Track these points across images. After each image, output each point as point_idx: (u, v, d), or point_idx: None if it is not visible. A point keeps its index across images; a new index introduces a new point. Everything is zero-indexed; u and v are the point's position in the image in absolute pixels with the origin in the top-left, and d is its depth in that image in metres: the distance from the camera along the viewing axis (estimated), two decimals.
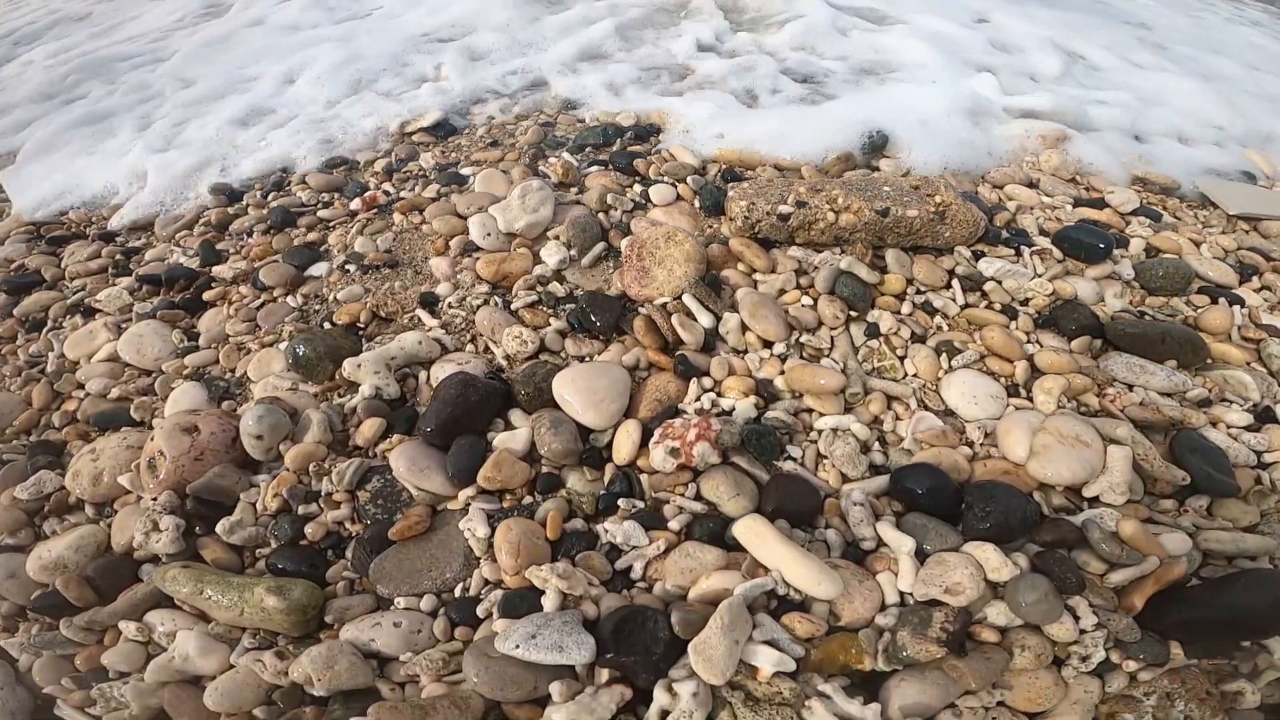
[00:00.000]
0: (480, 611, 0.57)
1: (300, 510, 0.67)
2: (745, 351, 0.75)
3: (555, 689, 0.51)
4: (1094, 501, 0.65)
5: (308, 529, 0.65)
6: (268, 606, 0.57)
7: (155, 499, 0.68)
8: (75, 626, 0.67)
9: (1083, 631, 0.55)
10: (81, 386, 0.92)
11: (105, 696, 0.63)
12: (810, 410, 0.71)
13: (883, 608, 0.55)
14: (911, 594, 0.55)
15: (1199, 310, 0.89)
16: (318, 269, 0.98)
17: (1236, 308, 0.89)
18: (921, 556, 0.57)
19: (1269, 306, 0.94)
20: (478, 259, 0.90)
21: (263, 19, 1.92)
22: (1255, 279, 0.98)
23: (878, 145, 1.08)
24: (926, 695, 0.52)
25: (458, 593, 0.59)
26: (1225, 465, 0.67)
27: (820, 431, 0.69)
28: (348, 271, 0.95)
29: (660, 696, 0.49)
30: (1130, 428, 0.67)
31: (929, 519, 0.60)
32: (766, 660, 0.50)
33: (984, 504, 0.60)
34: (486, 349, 0.80)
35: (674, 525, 0.61)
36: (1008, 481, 0.63)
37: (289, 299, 0.94)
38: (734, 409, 0.69)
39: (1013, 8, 1.79)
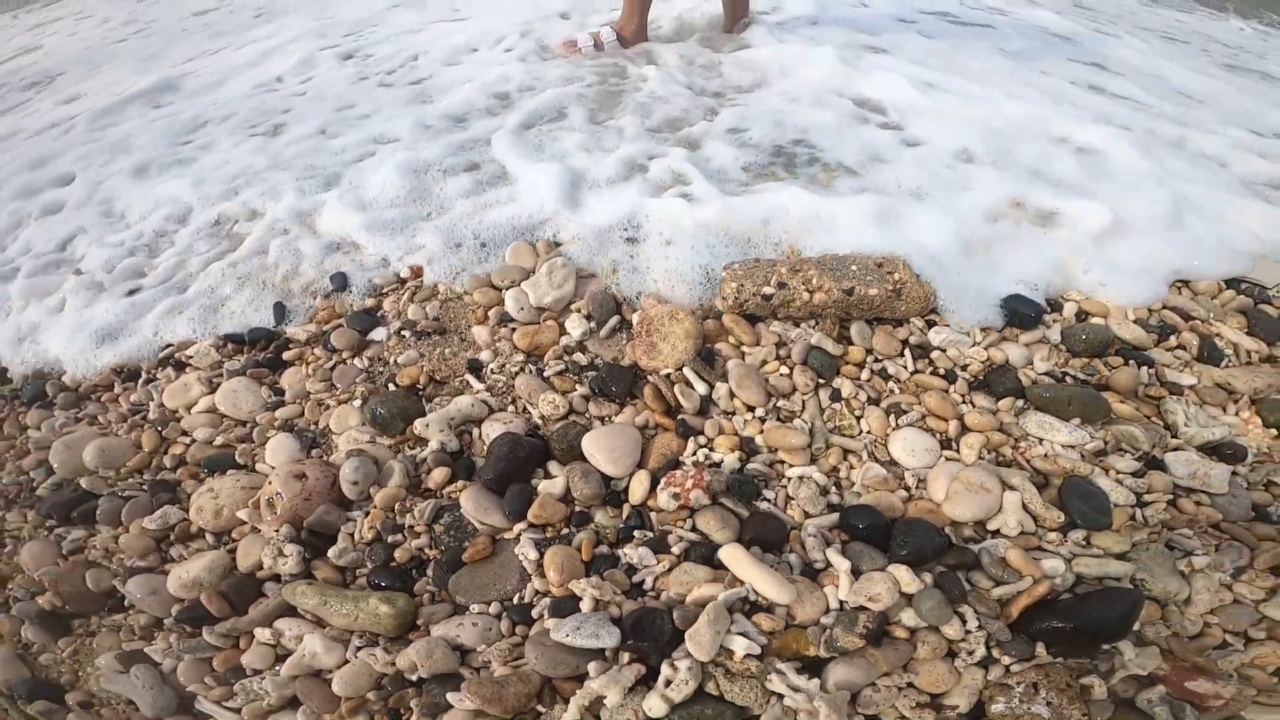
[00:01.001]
0: (534, 614, 0.86)
1: (389, 539, 0.97)
2: (733, 414, 1.05)
3: (592, 667, 0.80)
4: (995, 534, 0.94)
5: (396, 554, 0.95)
6: (380, 613, 0.87)
7: (277, 530, 0.98)
8: (216, 634, 0.96)
9: (968, 632, 0.84)
10: (185, 434, 1.22)
11: (246, 690, 0.92)
12: (782, 461, 1.01)
13: (826, 611, 0.85)
14: (846, 601, 0.85)
15: (1112, 370, 1.18)
16: (378, 334, 1.28)
17: (1145, 368, 1.18)
18: (856, 574, 0.87)
19: (1181, 364, 1.24)
20: (514, 329, 1.20)
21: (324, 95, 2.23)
22: (1173, 338, 1.27)
23: None
24: (853, 675, 0.81)
25: (516, 600, 0.89)
26: (1104, 505, 0.97)
27: (789, 479, 0.99)
28: (404, 337, 1.25)
29: (665, 670, 0.79)
30: (1024, 477, 0.96)
31: (865, 546, 0.90)
32: (740, 646, 0.80)
33: (905, 536, 0.89)
34: (525, 410, 1.10)
35: (675, 550, 0.90)
36: (927, 519, 0.92)
37: (356, 361, 1.24)
38: (722, 461, 0.98)
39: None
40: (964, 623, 0.84)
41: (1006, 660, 0.84)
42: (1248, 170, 1.71)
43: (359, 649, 0.87)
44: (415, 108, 2.01)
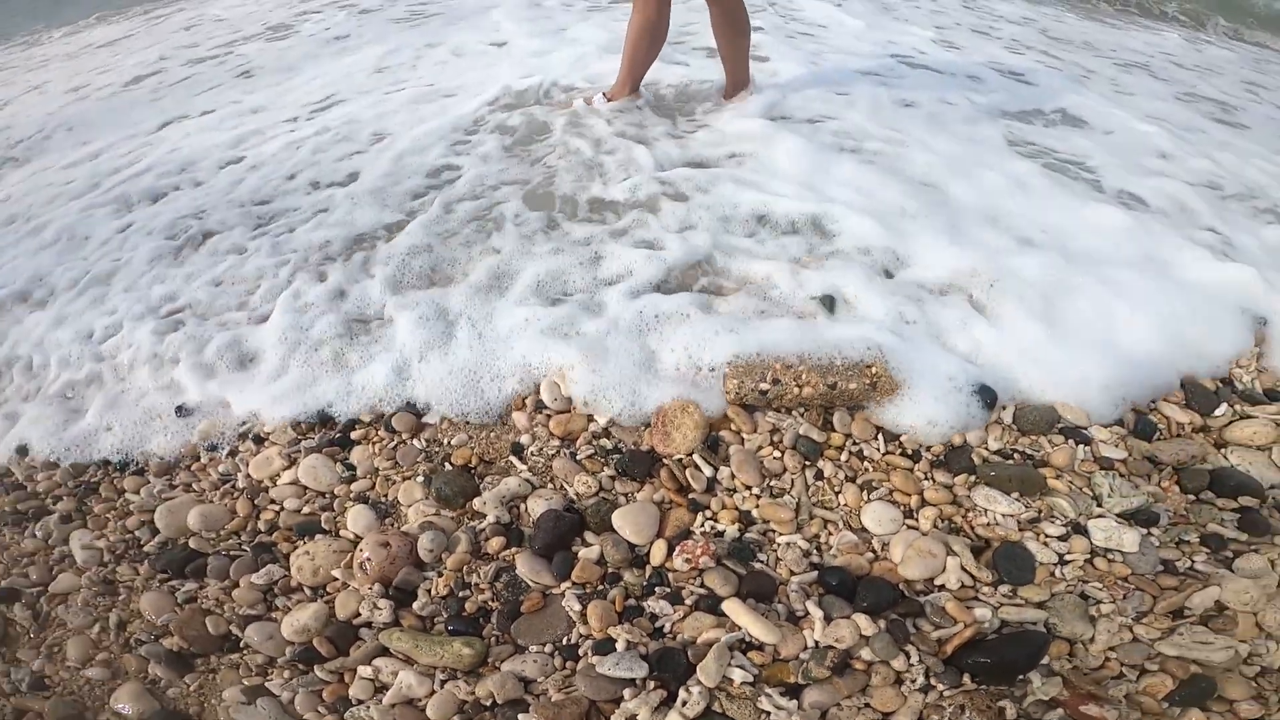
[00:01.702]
0: (580, 652, 1.23)
1: (460, 594, 1.34)
2: (734, 491, 1.42)
3: (627, 692, 1.16)
4: (941, 588, 1.31)
5: (466, 605, 1.32)
6: (462, 654, 1.23)
7: (370, 588, 1.35)
8: (325, 670, 1.33)
9: (911, 664, 1.20)
10: (275, 502, 1.59)
11: (354, 716, 1.29)
12: (774, 530, 1.38)
13: (804, 649, 1.21)
14: (819, 641, 1.21)
15: (1054, 448, 1.55)
16: (431, 417, 1.65)
17: (1082, 445, 1.55)
18: (828, 620, 1.23)
19: (1116, 439, 1.60)
20: (549, 417, 1.58)
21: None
22: None
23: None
24: (823, 698, 1.17)
25: (565, 642, 1.25)
26: (1029, 565, 1.33)
27: (779, 544, 1.36)
28: (454, 421, 1.62)
29: (682, 694, 1.15)
30: (965, 544, 1.33)
31: (836, 599, 1.26)
32: (738, 675, 1.16)
33: (868, 591, 1.26)
34: (562, 488, 1.47)
35: (688, 602, 1.26)
36: (886, 577, 1.29)
37: (414, 441, 1.61)
38: (725, 531, 1.35)
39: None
40: (908, 658, 1.20)
41: (941, 687, 1.20)
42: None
43: (444, 681, 1.24)
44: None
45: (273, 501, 1.56)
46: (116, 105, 4.15)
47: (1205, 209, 2.31)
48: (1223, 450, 1.59)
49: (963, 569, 1.29)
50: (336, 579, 1.38)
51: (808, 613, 1.23)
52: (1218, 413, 1.68)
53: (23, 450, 1.80)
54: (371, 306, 1.94)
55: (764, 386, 1.50)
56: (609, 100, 2.80)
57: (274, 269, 2.12)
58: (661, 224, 2.11)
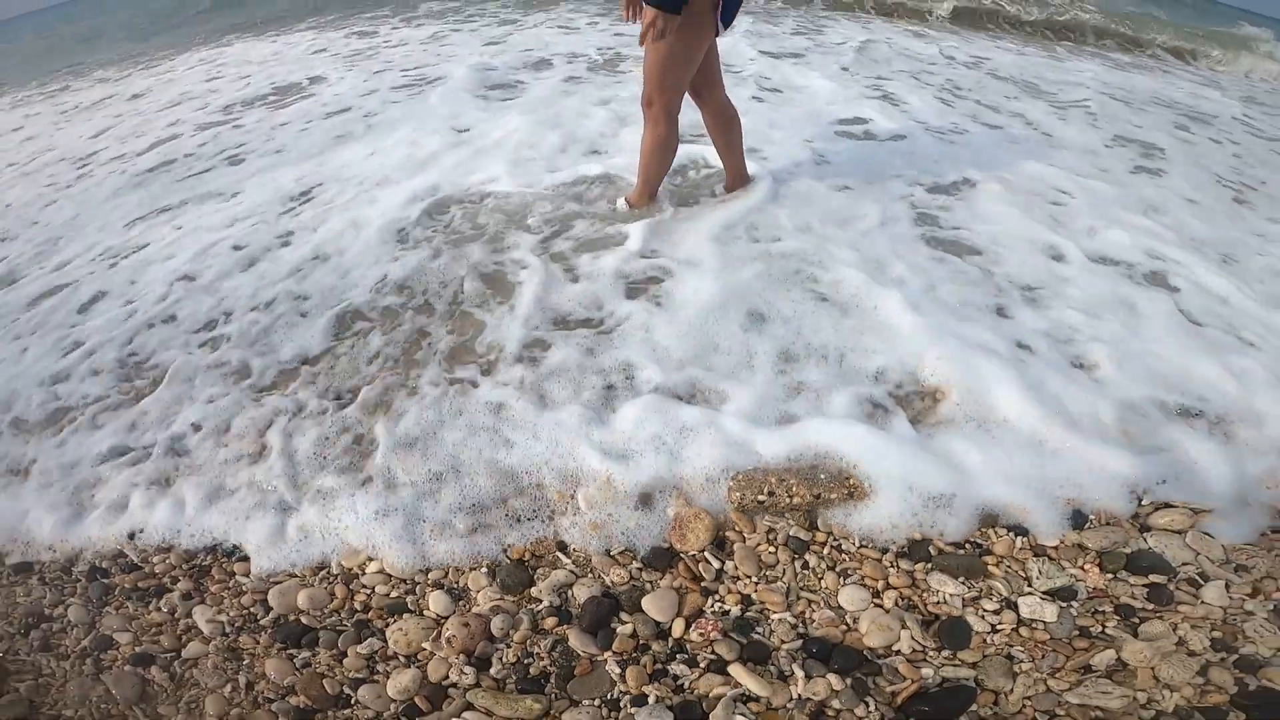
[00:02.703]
0: (621, 705, 1.86)
1: (525, 661, 1.97)
2: (737, 579, 2.05)
3: None
4: (896, 653, 1.93)
5: (531, 670, 1.95)
6: (532, 708, 1.85)
7: (456, 657, 1.98)
8: None
9: (869, 712, 1.82)
10: (366, 587, 2.22)
11: None
12: (768, 609, 2.01)
13: (789, 700, 1.83)
14: (801, 694, 1.84)
15: (998, 539, 2.17)
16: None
17: (1020, 537, 2.18)
18: (808, 678, 1.86)
19: (1050, 530, 2.23)
20: (588, 519, 2.22)
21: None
22: None
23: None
24: None
25: (609, 698, 1.88)
26: (966, 633, 1.95)
27: (773, 619, 1.99)
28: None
29: None
30: (916, 619, 1.96)
31: (815, 662, 1.88)
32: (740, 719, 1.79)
33: (840, 656, 1.88)
34: (600, 577, 2.11)
35: (701, 665, 1.89)
36: (855, 645, 1.92)
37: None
38: (730, 611, 1.99)
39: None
40: (868, 706, 1.82)
41: None
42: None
43: None
44: None
45: (364, 586, 2.19)
46: None
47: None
48: (1145, 534, 2.20)
49: (913, 638, 1.91)
50: (426, 649, 2.01)
51: (794, 672, 1.85)
52: (1145, 502, 2.30)
53: (136, 535, 2.43)
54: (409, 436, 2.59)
55: (761, 497, 2.14)
56: (631, 206, 3.50)
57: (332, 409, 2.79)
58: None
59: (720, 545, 2.10)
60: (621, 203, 3.64)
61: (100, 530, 2.47)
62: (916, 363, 2.74)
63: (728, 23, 3.00)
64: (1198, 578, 2.06)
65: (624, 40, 8.97)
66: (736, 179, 3.73)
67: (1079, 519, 2.19)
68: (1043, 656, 1.89)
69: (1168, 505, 2.26)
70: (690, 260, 3.38)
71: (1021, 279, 3.37)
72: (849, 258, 3.37)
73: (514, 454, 2.44)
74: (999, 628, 1.94)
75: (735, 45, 8.29)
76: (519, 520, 2.26)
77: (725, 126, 3.52)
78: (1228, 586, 2.03)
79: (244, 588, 2.23)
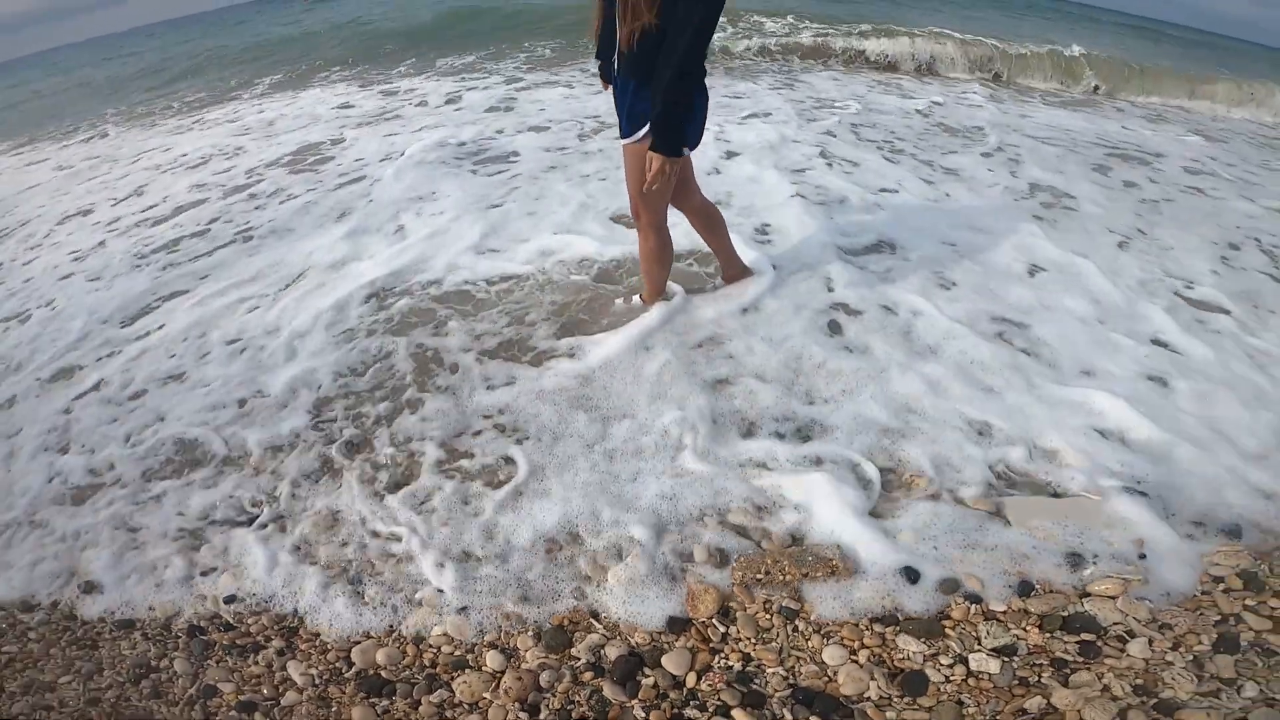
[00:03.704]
0: None
1: (568, 708, 2.49)
2: (739, 640, 2.58)
3: None
4: (866, 700, 2.46)
5: (574, 714, 2.47)
6: None
7: (513, 704, 2.51)
8: None
9: None
10: (432, 646, 2.75)
11: None
12: (764, 665, 2.54)
13: None
14: None
15: (956, 605, 2.70)
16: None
17: (974, 604, 2.71)
18: None
19: (1001, 598, 2.76)
20: (617, 592, 2.75)
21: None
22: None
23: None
24: None
25: None
26: (924, 683, 2.47)
27: (768, 672, 2.52)
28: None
29: None
30: (884, 672, 2.49)
31: (800, 706, 2.40)
32: None
33: (820, 702, 2.41)
34: (627, 639, 2.64)
35: (710, 710, 2.40)
36: (833, 694, 2.44)
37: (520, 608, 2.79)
38: (733, 666, 2.51)
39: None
40: None
41: None
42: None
43: None
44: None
45: (431, 646, 2.71)
46: None
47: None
48: (1083, 600, 2.72)
49: (880, 688, 2.43)
50: (486, 697, 2.53)
51: (784, 716, 2.38)
52: (1086, 573, 2.82)
53: (232, 599, 2.96)
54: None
55: (758, 576, 2.67)
56: (645, 303, 4.10)
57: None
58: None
59: (725, 613, 2.63)
60: (636, 300, 4.23)
61: (198, 592, 3.00)
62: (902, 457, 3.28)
63: (696, 143, 3.44)
64: (1125, 635, 2.52)
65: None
66: (732, 270, 4.35)
67: (1025, 588, 2.69)
68: (987, 702, 2.38)
69: (1105, 576, 2.75)
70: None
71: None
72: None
73: (550, 530, 2.98)
74: (951, 679, 2.44)
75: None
76: (559, 595, 2.79)
77: (709, 225, 4.14)
78: (1151, 642, 2.49)
79: (328, 646, 2.74)
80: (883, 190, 6.61)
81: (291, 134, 10.70)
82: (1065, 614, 2.61)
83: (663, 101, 3.11)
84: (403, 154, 8.16)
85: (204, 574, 3.10)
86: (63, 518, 3.54)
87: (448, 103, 11.63)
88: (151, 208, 8.02)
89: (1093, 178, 7.58)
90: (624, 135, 3.49)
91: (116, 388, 4.54)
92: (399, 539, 3.10)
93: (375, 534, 3.14)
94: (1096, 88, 15.45)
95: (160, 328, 5.18)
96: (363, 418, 3.92)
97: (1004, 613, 2.62)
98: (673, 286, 4.35)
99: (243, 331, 4.87)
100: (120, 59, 32.09)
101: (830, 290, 4.55)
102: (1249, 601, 2.64)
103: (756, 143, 7.87)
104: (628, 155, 3.54)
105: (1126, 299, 4.78)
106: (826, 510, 2.96)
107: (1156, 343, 4.34)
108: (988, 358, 4.02)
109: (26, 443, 4.16)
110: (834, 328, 4.27)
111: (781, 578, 2.64)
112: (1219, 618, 2.58)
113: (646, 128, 3.29)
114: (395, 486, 3.38)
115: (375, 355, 4.42)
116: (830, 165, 7.12)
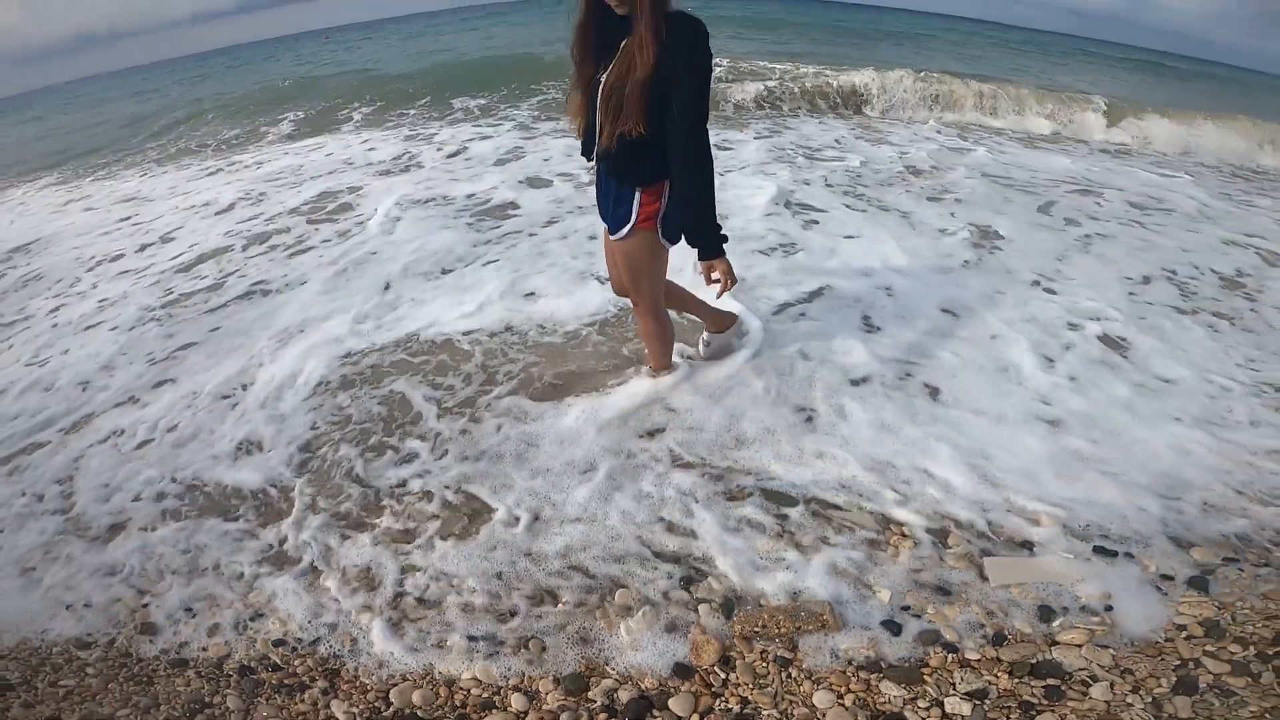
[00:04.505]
0: None
1: None
2: (738, 686, 2.90)
3: None
4: None
5: None
6: None
7: None
8: None
9: None
10: (464, 689, 3.07)
11: None
12: (760, 707, 2.85)
13: None
14: None
15: (934, 655, 3.02)
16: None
17: (950, 653, 3.03)
18: None
19: (976, 646, 3.07)
20: (627, 642, 3.08)
21: None
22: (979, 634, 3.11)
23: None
24: None
25: None
26: None
27: (763, 715, 2.84)
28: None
29: None
30: (867, 714, 2.80)
31: None
32: None
33: None
34: (637, 684, 2.96)
35: None
36: None
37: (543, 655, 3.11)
38: (732, 708, 2.83)
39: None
40: None
41: None
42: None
43: None
44: None
45: (461, 688, 3.03)
46: None
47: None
48: (1052, 647, 3.03)
49: None
50: None
51: None
52: (1055, 624, 3.13)
53: (280, 643, 3.29)
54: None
55: (756, 629, 3.00)
56: (654, 370, 4.47)
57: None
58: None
59: (726, 662, 2.95)
60: (646, 370, 4.60)
61: (248, 635, 3.33)
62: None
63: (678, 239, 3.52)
64: (1089, 679, 2.80)
65: None
66: (716, 323, 4.68)
67: (999, 638, 3.00)
68: None
69: (1072, 626, 3.06)
70: None
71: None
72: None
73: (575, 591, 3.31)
74: (927, 719, 2.76)
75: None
76: (576, 644, 3.12)
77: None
78: (1113, 685, 2.77)
79: (368, 686, 3.06)
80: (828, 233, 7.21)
81: (315, 180, 11.15)
82: (1034, 661, 2.89)
83: (692, 210, 3.22)
84: (399, 205, 8.87)
85: (253, 619, 3.40)
86: (101, 557, 3.91)
87: (458, 153, 12.09)
88: (177, 257, 8.40)
89: (1033, 217, 8.32)
90: (611, 233, 3.59)
91: (134, 436, 4.95)
92: (430, 586, 3.42)
93: (411, 582, 3.47)
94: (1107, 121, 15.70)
95: (172, 381, 5.62)
96: (386, 465, 4.27)
97: (978, 660, 2.91)
98: (677, 360, 4.73)
99: (256, 381, 5.37)
100: (146, 95, 32.80)
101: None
102: (1209, 647, 2.90)
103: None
104: (615, 246, 3.67)
105: (1021, 339, 5.31)
106: (819, 568, 3.28)
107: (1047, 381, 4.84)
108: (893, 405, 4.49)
109: (82, 493, 4.48)
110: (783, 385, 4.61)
111: (777, 630, 2.95)
112: (1179, 662, 2.84)
113: (630, 227, 3.43)
114: (423, 535, 3.71)
115: (397, 404, 4.86)
116: (790, 209, 7.73)
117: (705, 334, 4.64)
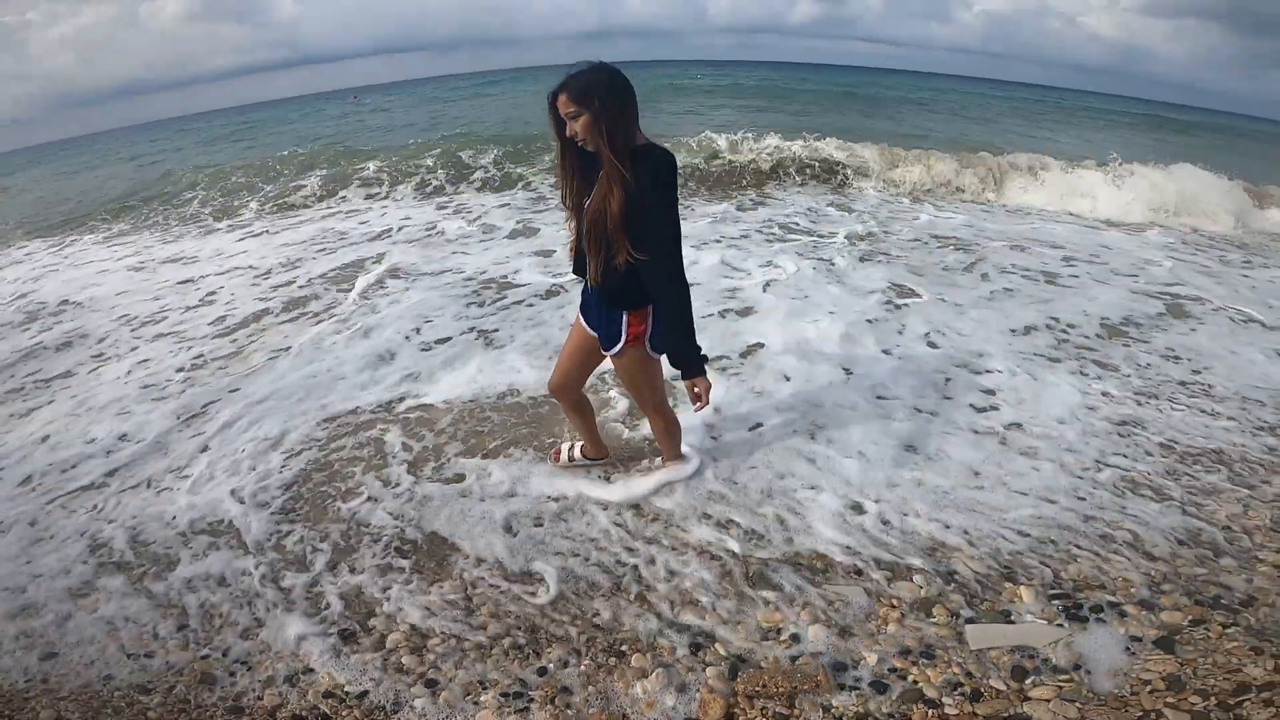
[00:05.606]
0: None
1: None
2: None
3: None
4: None
5: None
6: None
7: None
8: None
9: None
10: None
11: None
12: None
13: None
14: None
15: (915, 710, 3.37)
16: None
17: (930, 709, 3.38)
18: None
19: (954, 704, 3.43)
20: (641, 699, 3.46)
21: None
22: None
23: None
24: None
25: None
26: None
27: None
28: None
29: None
30: None
31: None
32: None
33: None
34: None
35: None
36: None
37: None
38: None
39: None
40: None
41: None
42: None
43: None
44: None
45: None
46: None
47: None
48: (1024, 703, 3.37)
49: None
50: None
51: None
52: (1028, 681, 3.48)
53: (328, 695, 3.65)
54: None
55: (757, 689, 3.37)
56: (586, 456, 4.93)
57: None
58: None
59: (730, 717, 3.32)
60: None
61: (300, 687, 3.68)
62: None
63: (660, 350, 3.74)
64: None
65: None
66: (593, 447, 4.90)
67: (976, 695, 3.35)
68: None
69: (1042, 684, 3.40)
70: None
71: None
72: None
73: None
74: None
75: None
76: (597, 699, 3.50)
77: (580, 410, 4.61)
78: None
79: None
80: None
81: (351, 247, 11.72)
82: (1006, 715, 3.20)
83: (673, 335, 3.44)
84: (412, 279, 9.60)
85: (304, 673, 3.73)
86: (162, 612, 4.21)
87: (476, 219, 12.89)
88: (219, 320, 8.89)
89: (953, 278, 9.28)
90: (604, 348, 3.82)
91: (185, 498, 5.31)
92: (464, 644, 3.81)
93: (446, 640, 3.85)
94: None
95: (219, 428, 6.12)
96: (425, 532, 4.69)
97: (956, 716, 3.24)
98: (687, 450, 5.07)
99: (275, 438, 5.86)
100: (192, 147, 33.73)
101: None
102: (1169, 699, 3.19)
103: None
104: (612, 360, 3.88)
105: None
106: (813, 635, 3.65)
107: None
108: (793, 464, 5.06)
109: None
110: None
111: (776, 689, 3.32)
112: (1140, 714, 3.13)
113: (620, 345, 3.69)
114: (455, 596, 4.11)
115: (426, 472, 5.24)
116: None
117: (578, 450, 4.94)
